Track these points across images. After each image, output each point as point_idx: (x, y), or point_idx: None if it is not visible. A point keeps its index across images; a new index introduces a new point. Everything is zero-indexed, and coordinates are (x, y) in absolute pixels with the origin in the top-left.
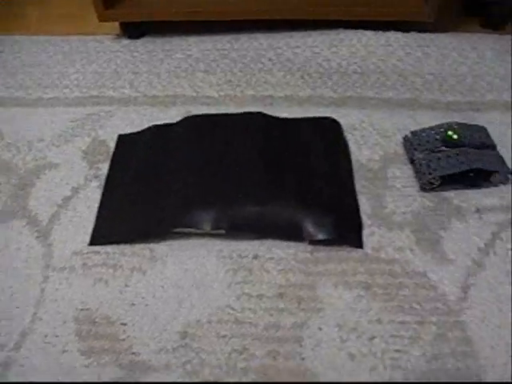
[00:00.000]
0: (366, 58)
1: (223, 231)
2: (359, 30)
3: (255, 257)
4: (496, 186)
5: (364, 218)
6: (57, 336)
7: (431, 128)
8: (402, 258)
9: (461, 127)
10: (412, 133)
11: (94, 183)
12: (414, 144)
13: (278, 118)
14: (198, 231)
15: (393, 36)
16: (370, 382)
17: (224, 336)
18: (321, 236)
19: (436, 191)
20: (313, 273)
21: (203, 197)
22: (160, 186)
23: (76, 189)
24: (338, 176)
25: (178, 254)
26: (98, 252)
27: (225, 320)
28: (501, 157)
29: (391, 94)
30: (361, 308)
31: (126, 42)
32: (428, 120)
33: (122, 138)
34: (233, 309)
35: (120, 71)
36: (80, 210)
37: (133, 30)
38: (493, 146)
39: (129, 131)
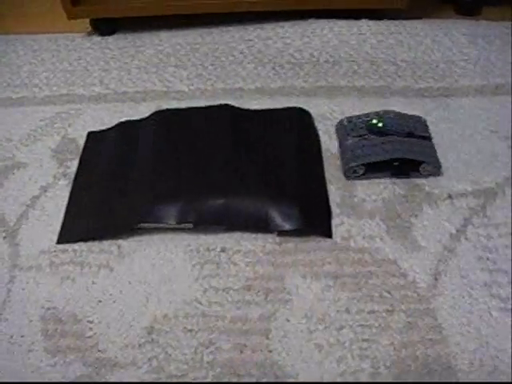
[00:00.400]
0: (338, 48)
1: (191, 225)
2: (331, 20)
3: (223, 250)
4: (425, 177)
5: (333, 207)
6: (22, 336)
7: (365, 115)
8: (372, 247)
9: (394, 116)
10: (347, 118)
11: (63, 181)
12: (346, 130)
13: (246, 110)
14: (165, 225)
15: (365, 24)
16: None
17: (191, 330)
18: (288, 226)
19: (361, 179)
20: (281, 264)
21: (169, 191)
22: (128, 181)
23: (44, 188)
24: (307, 166)
25: (145, 249)
26: (66, 250)
27: (191, 314)
28: (433, 148)
29: (363, 83)
30: (329, 298)
31: (97, 39)
32: (401, 107)
33: (91, 136)
34: (200, 303)
35: (90, 69)
36: (48, 209)
37: (103, 27)
38: (426, 137)
39: (99, 129)
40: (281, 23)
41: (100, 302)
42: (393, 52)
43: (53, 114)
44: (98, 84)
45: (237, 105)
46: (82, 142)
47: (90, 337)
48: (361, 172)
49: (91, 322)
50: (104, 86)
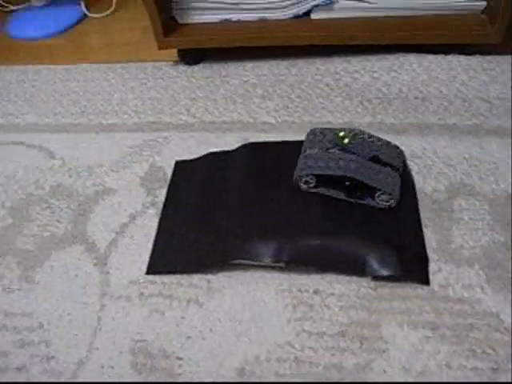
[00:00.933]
0: (427, 83)
1: (283, 264)
2: (420, 54)
3: (316, 292)
4: (379, 204)
5: (430, 252)
6: (112, 367)
7: (340, 129)
8: (472, 297)
9: (368, 137)
10: (320, 129)
11: (151, 210)
12: (315, 140)
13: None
14: (258, 263)
15: (455, 59)
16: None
17: (283, 375)
18: (385, 272)
19: (313, 192)
20: (376, 310)
21: (262, 228)
22: (218, 214)
23: (133, 215)
24: (402, 208)
25: (235, 286)
26: (155, 282)
27: (284, 358)
28: (396, 178)
29: (455, 121)
30: (428, 350)
31: (183, 68)
32: (496, 148)
33: (178, 165)
34: (292, 346)
35: (177, 97)
36: (137, 238)
37: (190, 57)
38: (393, 167)
39: (186, 157)
40: (368, 57)
41: (189, 338)
42: (485, 89)
43: (141, 142)
44: (185, 113)
45: None
46: (169, 170)
47: (179, 374)
48: (312, 184)
49: (180, 359)
50: (191, 114)
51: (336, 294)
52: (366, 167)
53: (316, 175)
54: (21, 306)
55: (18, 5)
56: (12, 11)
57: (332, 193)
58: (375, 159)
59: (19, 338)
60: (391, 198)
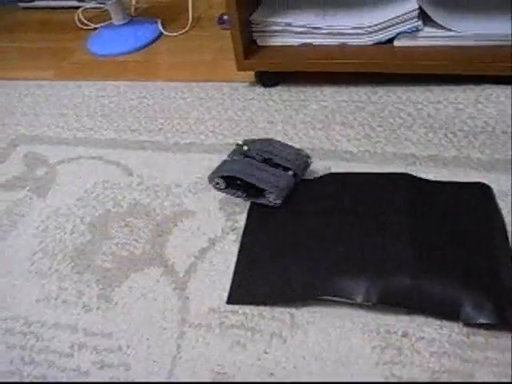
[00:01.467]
0: None
1: (370, 303)
2: (508, 86)
3: (404, 334)
4: (270, 203)
5: None
6: None
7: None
8: None
9: (265, 142)
10: (245, 140)
11: (231, 236)
12: (236, 149)
13: (425, 181)
14: (347, 301)
15: None
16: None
17: None
18: (481, 320)
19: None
20: (470, 360)
21: (351, 264)
22: (301, 245)
23: (213, 240)
24: (494, 249)
25: (320, 322)
26: (236, 312)
27: None
28: (288, 178)
29: None
30: None
31: (260, 89)
32: None
33: None
34: None
35: (255, 119)
36: (216, 264)
37: (267, 79)
38: (287, 168)
39: None
40: (451, 87)
41: (272, 374)
42: None
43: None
44: (264, 136)
45: (410, 172)
46: None
47: None
48: (222, 186)
49: None
50: None
51: (426, 339)
52: (256, 169)
53: (224, 177)
54: (100, 325)
55: (99, 23)
56: (94, 29)
57: (237, 194)
58: (267, 161)
59: (99, 359)
60: (277, 197)
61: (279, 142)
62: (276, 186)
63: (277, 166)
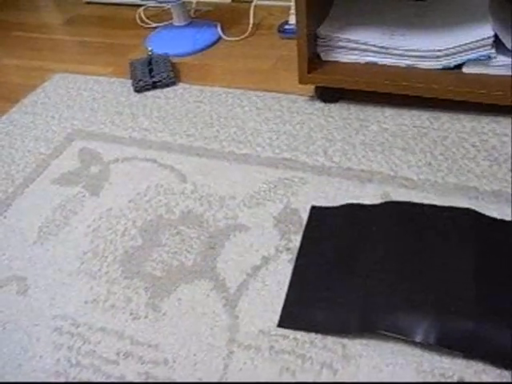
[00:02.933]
0: None
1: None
2: None
3: (460, 379)
4: None
5: None
6: None
7: None
8: None
9: None
10: None
11: (285, 256)
12: None
13: (489, 218)
14: (404, 338)
15: None
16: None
17: None
18: None
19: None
20: None
21: (411, 300)
22: (357, 275)
23: (266, 259)
24: None
25: (373, 356)
26: (287, 337)
27: None
28: None
29: None
30: None
31: (319, 105)
32: None
33: (315, 211)
34: None
35: (314, 136)
36: (269, 284)
37: (328, 94)
38: None
39: (322, 203)
40: None
41: None
42: None
43: (276, 179)
44: (322, 154)
45: (472, 207)
46: (304, 214)
47: None
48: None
49: None
50: (328, 157)
51: None
52: None
53: None
54: (147, 335)
55: (159, 22)
56: (154, 28)
57: None
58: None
59: (145, 371)
60: (166, 76)
61: None
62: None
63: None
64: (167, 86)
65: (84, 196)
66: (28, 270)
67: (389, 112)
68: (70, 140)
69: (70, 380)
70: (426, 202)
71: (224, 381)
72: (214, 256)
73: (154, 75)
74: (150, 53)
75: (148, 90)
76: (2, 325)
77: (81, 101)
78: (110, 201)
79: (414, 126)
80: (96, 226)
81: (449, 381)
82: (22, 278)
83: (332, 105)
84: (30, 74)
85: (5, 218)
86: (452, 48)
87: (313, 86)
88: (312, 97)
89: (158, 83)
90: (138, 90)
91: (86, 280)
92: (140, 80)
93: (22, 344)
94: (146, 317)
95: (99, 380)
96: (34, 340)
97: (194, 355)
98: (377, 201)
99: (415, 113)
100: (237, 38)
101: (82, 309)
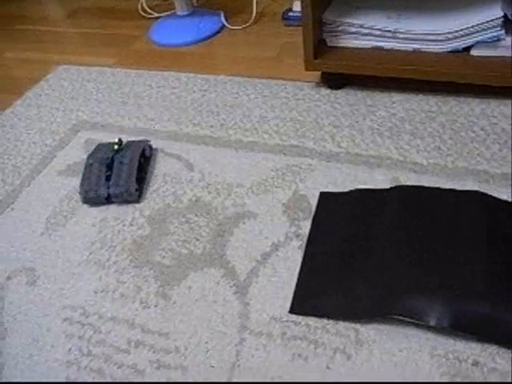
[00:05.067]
0: None
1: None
2: None
3: (475, 363)
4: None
5: None
6: None
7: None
8: None
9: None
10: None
11: (295, 242)
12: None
13: (500, 201)
14: (418, 322)
15: None
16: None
17: None
18: None
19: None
20: None
21: (424, 284)
22: (368, 260)
23: (276, 245)
24: None
25: (386, 341)
26: (299, 323)
27: None
28: (128, 172)
29: None
30: None
31: (325, 91)
32: None
33: (324, 197)
34: None
35: (320, 122)
36: (279, 270)
37: (334, 80)
38: (129, 164)
39: (331, 189)
40: None
41: None
42: None
43: (283, 165)
44: (330, 140)
45: (482, 190)
46: (313, 200)
47: None
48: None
49: None
50: (336, 143)
51: (499, 371)
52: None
53: None
54: (157, 324)
55: (161, 12)
56: (156, 18)
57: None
58: (109, 165)
59: (156, 359)
60: (124, 191)
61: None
62: (122, 180)
63: (121, 164)
64: (127, 202)
65: None
66: (37, 261)
67: (396, 97)
68: (75, 131)
69: (81, 368)
70: (436, 186)
71: (236, 369)
72: (224, 243)
73: (110, 185)
74: (116, 146)
75: (99, 204)
76: (13, 316)
77: (85, 92)
78: None
79: (422, 111)
80: (103, 216)
81: (463, 364)
82: (30, 269)
83: (338, 91)
84: (33, 67)
85: (12, 209)
86: (460, 30)
87: (319, 73)
88: (318, 83)
89: (114, 198)
90: (86, 202)
91: (95, 270)
92: (90, 190)
93: (33, 335)
94: (156, 305)
95: (111, 369)
96: (44, 330)
97: (206, 343)
98: (386, 186)
99: (423, 97)
100: (240, 27)
101: (91, 298)
